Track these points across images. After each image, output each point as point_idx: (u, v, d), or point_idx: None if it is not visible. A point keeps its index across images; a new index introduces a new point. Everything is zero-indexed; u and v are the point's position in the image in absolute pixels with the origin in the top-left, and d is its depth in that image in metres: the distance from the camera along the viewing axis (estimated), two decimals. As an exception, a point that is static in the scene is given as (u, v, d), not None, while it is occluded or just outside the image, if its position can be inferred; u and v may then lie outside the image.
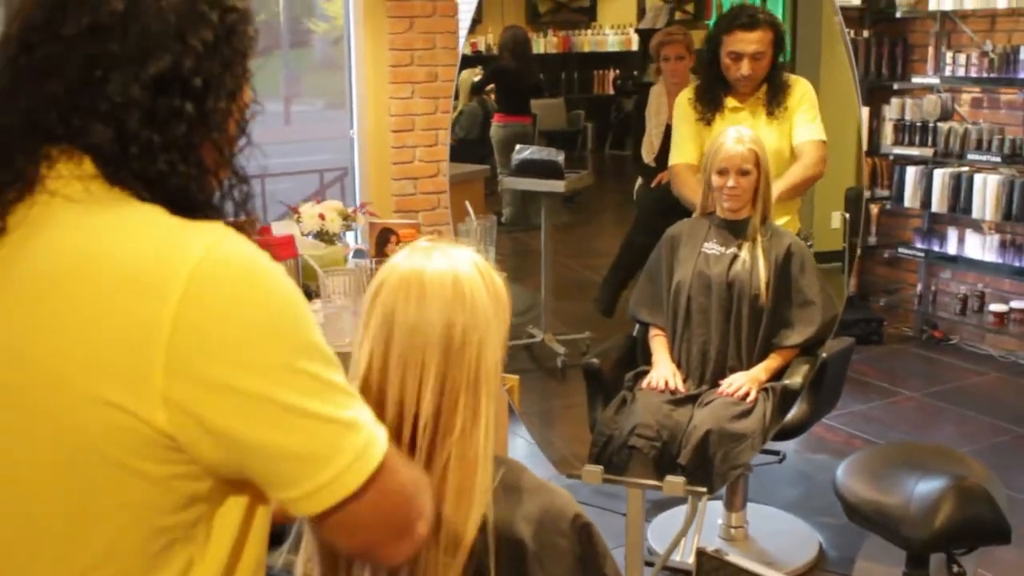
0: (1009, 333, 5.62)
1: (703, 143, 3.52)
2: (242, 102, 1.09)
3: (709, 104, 3.49)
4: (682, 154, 3.61)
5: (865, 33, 6.04)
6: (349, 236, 3.62)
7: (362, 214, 3.48)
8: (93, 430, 0.98)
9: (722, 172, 3.17)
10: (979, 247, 5.65)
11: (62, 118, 1.00)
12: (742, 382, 3.15)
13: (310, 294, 2.98)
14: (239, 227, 1.04)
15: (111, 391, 0.96)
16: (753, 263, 3.17)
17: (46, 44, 1.00)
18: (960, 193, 5.61)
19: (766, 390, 3.18)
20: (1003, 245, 5.55)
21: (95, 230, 1.00)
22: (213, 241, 0.99)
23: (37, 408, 0.99)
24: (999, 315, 5.58)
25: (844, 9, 5.19)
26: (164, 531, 1.03)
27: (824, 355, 3.24)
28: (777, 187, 3.31)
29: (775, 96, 3.43)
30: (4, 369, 1.00)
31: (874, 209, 6.14)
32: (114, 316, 0.96)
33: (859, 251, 3.71)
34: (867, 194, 5.87)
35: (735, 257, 3.20)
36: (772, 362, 3.22)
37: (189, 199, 1.04)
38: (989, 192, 5.44)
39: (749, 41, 3.34)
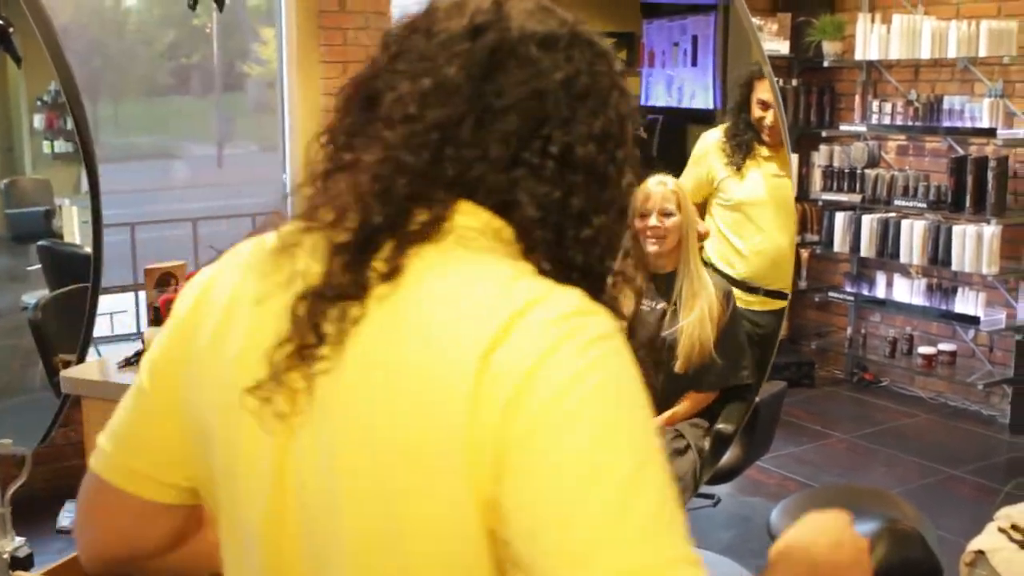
0: (937, 375, 5.71)
1: (704, 187, 3.70)
2: (629, 175, 0.96)
3: (739, 148, 3.59)
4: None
5: (794, 82, 6.15)
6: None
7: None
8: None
9: (644, 214, 3.17)
10: (907, 291, 5.76)
11: (489, 187, 0.90)
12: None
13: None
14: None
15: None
16: (681, 320, 3.16)
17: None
18: (888, 238, 5.72)
19: (702, 433, 3.18)
20: (930, 289, 5.66)
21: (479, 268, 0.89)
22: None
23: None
24: (927, 357, 5.67)
25: (772, 58, 5.30)
26: None
27: (757, 399, 3.25)
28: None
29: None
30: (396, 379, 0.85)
31: (804, 254, 6.22)
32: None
33: (790, 295, 3.74)
34: (797, 239, 5.95)
35: (664, 313, 3.19)
36: (688, 403, 3.20)
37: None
38: (916, 237, 5.55)
39: None
